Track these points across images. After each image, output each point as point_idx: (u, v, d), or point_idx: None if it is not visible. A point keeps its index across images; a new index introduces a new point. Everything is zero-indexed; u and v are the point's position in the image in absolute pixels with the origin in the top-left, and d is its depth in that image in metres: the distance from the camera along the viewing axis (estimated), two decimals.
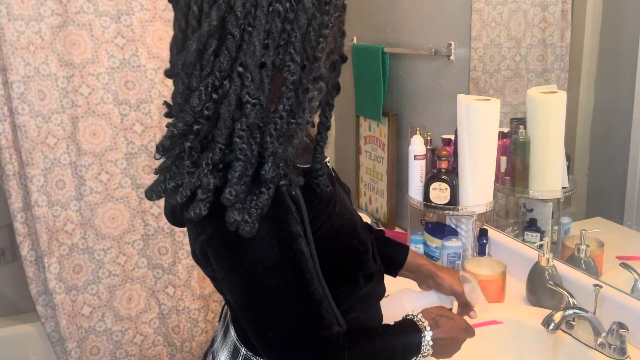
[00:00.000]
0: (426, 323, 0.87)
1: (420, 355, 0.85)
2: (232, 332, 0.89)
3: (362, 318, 0.87)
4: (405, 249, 1.09)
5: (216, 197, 0.69)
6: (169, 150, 0.71)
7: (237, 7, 0.66)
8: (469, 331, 0.95)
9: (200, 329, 2.06)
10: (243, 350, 0.86)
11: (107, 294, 1.92)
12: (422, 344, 0.85)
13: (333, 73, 0.78)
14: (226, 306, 0.95)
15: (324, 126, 0.81)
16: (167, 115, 0.78)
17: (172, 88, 0.73)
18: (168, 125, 0.72)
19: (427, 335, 0.86)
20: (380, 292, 0.95)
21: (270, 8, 0.66)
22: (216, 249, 0.73)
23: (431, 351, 0.86)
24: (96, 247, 1.88)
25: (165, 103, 0.79)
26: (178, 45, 0.72)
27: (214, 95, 0.68)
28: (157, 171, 0.74)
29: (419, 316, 0.88)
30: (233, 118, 0.68)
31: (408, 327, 0.87)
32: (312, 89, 0.71)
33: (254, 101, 0.67)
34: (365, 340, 0.81)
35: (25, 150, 1.70)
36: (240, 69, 0.67)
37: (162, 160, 0.74)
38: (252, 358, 0.85)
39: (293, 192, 0.73)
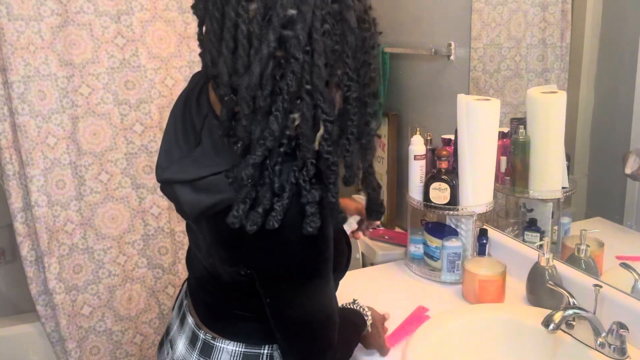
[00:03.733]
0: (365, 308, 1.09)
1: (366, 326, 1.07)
2: (190, 320, 0.98)
3: None
4: None
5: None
6: (255, 177, 0.73)
7: (297, 30, 0.68)
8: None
9: None
10: (202, 335, 0.95)
11: (107, 294, 1.92)
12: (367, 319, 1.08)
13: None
14: (180, 296, 1.06)
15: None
16: (224, 134, 0.77)
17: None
18: (242, 155, 0.74)
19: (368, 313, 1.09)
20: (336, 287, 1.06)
21: (323, 30, 0.69)
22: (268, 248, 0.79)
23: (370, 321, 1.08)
24: (96, 247, 1.88)
25: (218, 120, 0.80)
26: (227, 65, 0.72)
27: (292, 116, 0.71)
28: (241, 199, 0.75)
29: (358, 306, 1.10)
30: (315, 134, 0.73)
31: (354, 311, 1.08)
32: (370, 103, 0.76)
33: (331, 119, 0.72)
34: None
35: (25, 150, 1.70)
36: (308, 87, 0.70)
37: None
38: (212, 341, 0.93)
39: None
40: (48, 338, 1.89)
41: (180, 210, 0.86)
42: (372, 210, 0.89)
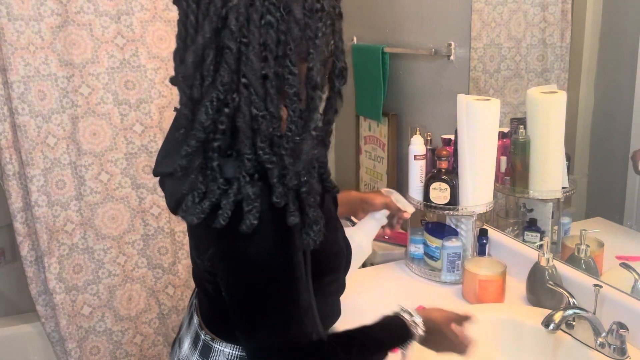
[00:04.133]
0: (406, 314, 0.90)
1: (410, 337, 0.89)
2: (195, 320, 0.96)
3: (322, 311, 0.90)
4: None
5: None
6: (188, 168, 0.72)
7: (230, 21, 0.67)
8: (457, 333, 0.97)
9: None
10: (202, 335, 0.93)
11: (107, 294, 1.92)
12: (411, 326, 0.89)
13: (337, 79, 0.79)
14: (193, 296, 1.02)
15: (328, 132, 0.82)
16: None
17: (173, 88, 0.75)
18: (181, 144, 0.72)
19: (416, 318, 0.90)
20: (343, 286, 1.00)
21: (263, 21, 0.67)
22: (223, 250, 0.76)
23: (423, 330, 0.90)
24: (96, 247, 1.88)
25: (175, 109, 0.81)
26: (180, 55, 0.73)
27: (226, 110, 0.69)
28: (186, 190, 0.74)
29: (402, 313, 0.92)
30: (252, 128, 0.70)
31: (390, 320, 0.90)
32: (315, 97, 0.72)
33: (262, 113, 0.69)
34: (344, 344, 0.84)
35: (25, 150, 1.70)
36: (244, 80, 0.68)
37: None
38: (210, 343, 0.91)
39: (312, 199, 0.75)
40: (48, 338, 1.89)
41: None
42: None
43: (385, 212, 1.22)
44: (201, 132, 0.70)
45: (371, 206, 1.22)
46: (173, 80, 0.76)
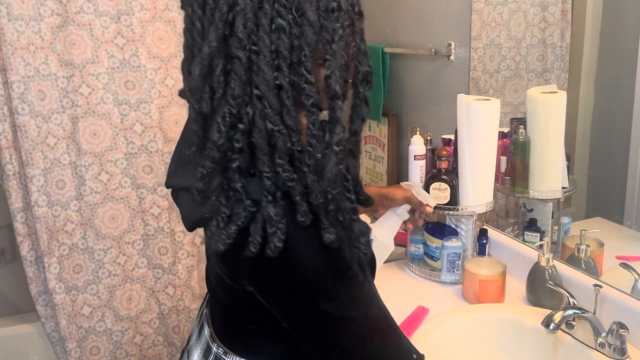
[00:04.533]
0: None
1: None
2: (206, 331, 0.89)
3: None
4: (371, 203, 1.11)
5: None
6: (206, 191, 0.66)
7: (237, 27, 0.61)
8: None
9: None
10: (214, 348, 0.87)
11: (107, 294, 1.92)
12: None
13: (361, 84, 0.73)
14: (203, 305, 0.95)
15: (357, 142, 0.75)
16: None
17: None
18: (194, 161, 0.67)
19: None
20: None
21: (273, 25, 0.61)
22: (267, 281, 0.69)
23: None
24: (96, 247, 1.88)
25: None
26: (188, 66, 0.67)
27: (240, 125, 0.63)
28: (208, 214, 0.67)
29: None
30: (269, 144, 0.63)
31: None
32: (335, 108, 0.65)
33: (278, 128, 0.62)
34: None
35: (25, 150, 1.70)
36: (256, 92, 0.61)
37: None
38: (223, 356, 0.86)
39: (341, 218, 0.68)
40: (48, 338, 1.89)
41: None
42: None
43: (407, 207, 1.18)
44: (215, 151, 0.63)
45: (392, 201, 1.16)
46: (182, 94, 0.69)
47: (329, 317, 0.69)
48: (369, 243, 0.70)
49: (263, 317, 0.75)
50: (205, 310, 0.93)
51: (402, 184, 1.21)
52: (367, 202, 0.83)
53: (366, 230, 0.70)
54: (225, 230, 0.65)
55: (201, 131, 0.66)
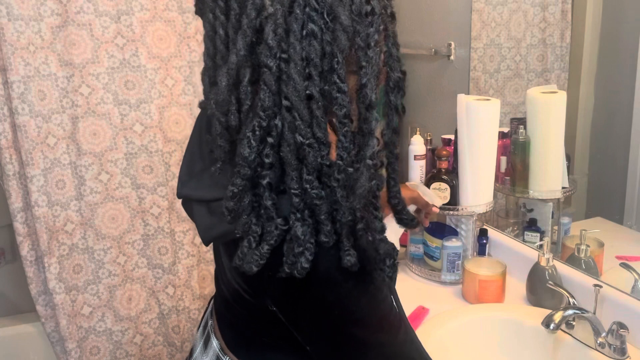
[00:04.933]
0: None
1: None
2: (215, 343, 0.85)
3: None
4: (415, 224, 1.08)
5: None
6: (237, 210, 0.62)
7: (267, 33, 0.57)
8: None
9: None
10: None
11: (107, 294, 1.92)
12: None
13: (394, 93, 0.69)
14: (206, 316, 0.92)
15: (393, 156, 0.72)
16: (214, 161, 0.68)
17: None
18: (218, 175, 0.64)
19: None
20: None
21: (304, 31, 0.57)
22: (298, 302, 0.66)
23: None
24: (96, 247, 1.88)
25: (200, 104, 0.70)
26: (209, 75, 0.64)
27: (269, 139, 0.59)
28: (239, 234, 0.63)
29: None
30: (298, 158, 0.59)
31: None
32: (369, 119, 0.61)
33: (308, 141, 0.58)
34: None
35: (25, 150, 1.70)
36: (286, 102, 0.57)
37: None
38: None
39: (370, 238, 0.64)
40: (48, 338, 1.89)
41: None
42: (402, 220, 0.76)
43: (412, 207, 1.15)
44: (246, 167, 0.59)
45: None
46: (202, 105, 0.66)
47: (358, 341, 0.67)
48: (395, 266, 0.66)
49: (284, 332, 0.71)
50: (210, 322, 0.88)
51: (407, 183, 1.21)
52: (411, 224, 0.79)
53: (393, 251, 0.66)
54: (258, 251, 0.61)
55: (228, 146, 0.63)
